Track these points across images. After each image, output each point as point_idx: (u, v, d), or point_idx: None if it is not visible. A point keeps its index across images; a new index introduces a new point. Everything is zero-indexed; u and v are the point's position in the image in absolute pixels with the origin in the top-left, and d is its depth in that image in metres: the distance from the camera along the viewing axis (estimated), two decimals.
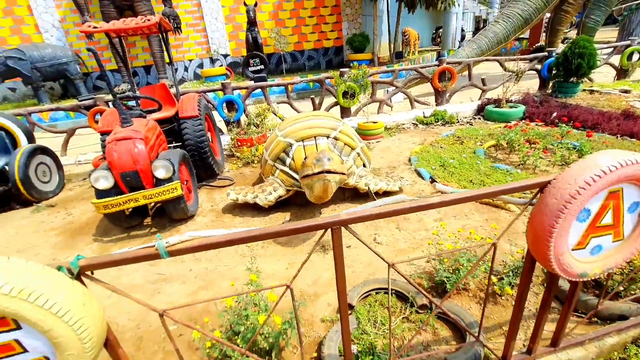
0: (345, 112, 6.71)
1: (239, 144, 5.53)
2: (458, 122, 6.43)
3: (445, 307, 1.97)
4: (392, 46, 13.01)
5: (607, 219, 1.04)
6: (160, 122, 4.27)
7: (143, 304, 0.98)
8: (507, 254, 2.46)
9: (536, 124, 5.50)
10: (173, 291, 2.62)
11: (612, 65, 8.26)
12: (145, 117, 3.76)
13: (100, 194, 3.21)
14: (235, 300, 1.86)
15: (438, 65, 6.83)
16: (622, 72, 8.20)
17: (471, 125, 6.18)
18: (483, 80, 7.34)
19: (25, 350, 0.80)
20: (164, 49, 4.52)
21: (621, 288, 1.93)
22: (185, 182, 3.76)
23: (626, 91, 6.88)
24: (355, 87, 6.16)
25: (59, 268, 0.91)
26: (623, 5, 14.04)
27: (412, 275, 2.30)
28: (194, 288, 2.62)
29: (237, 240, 0.93)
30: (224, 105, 6.23)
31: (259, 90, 6.67)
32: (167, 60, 12.11)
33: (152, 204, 3.76)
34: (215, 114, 6.30)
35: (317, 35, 13.61)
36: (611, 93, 6.83)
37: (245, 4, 11.08)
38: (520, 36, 11.89)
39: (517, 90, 6.83)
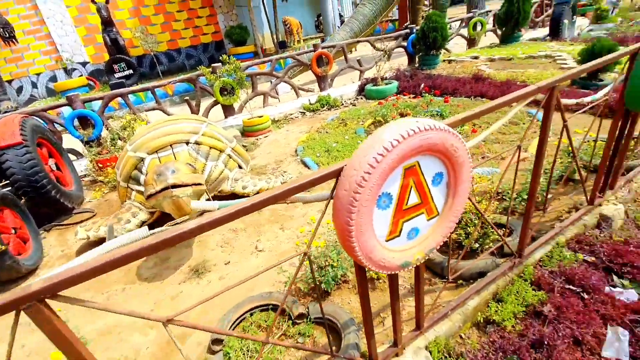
0: (228, 110, 6.23)
1: (101, 165, 4.65)
2: (342, 104, 6.53)
3: (319, 311, 1.79)
4: (274, 36, 12.75)
5: (413, 199, 0.92)
6: None
7: None
8: None
9: (408, 97, 5.87)
10: None
11: (462, 36, 9.39)
12: None
13: None
14: None
15: (314, 51, 6.80)
16: (471, 42, 9.39)
17: (354, 106, 6.33)
18: (359, 62, 7.59)
19: None
20: None
21: (476, 245, 2.01)
22: (13, 231, 2.93)
23: (475, 57, 7.87)
24: (231, 82, 5.73)
25: None
26: None
27: (287, 283, 2.08)
28: None
29: None
30: (76, 122, 5.18)
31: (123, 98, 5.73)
32: (7, 77, 9.75)
33: None
34: (69, 135, 5.21)
35: (192, 31, 12.55)
36: (464, 60, 7.73)
37: (94, 2, 9.50)
38: (391, 18, 12.80)
39: (390, 67, 7.23)
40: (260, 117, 5.62)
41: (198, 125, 3.18)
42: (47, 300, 0.63)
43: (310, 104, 6.43)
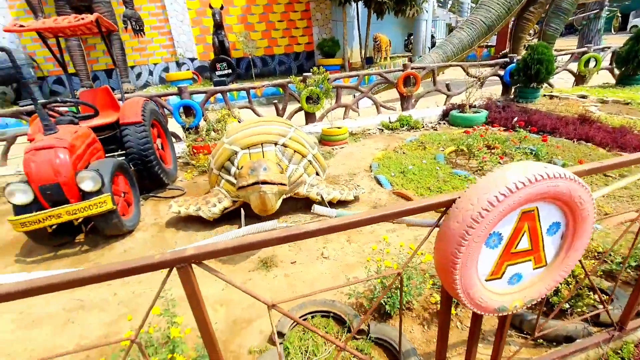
0: (309, 118, 6.53)
1: (195, 151, 5.23)
2: (423, 127, 6.39)
3: (382, 332, 1.78)
4: (363, 52, 13.02)
5: (524, 244, 0.88)
6: (101, 129, 3.94)
7: None
8: None
9: (497, 129, 5.51)
10: (89, 322, 2.30)
11: (570, 71, 8.52)
12: (76, 124, 3.42)
13: (19, 209, 2.85)
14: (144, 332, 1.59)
15: (402, 71, 6.79)
16: (580, 78, 8.47)
17: (435, 130, 6.15)
18: (448, 86, 7.36)
19: None
20: (111, 50, 4.20)
21: (567, 305, 1.81)
22: (122, 194, 3.44)
23: (583, 96, 7.08)
24: (318, 92, 6.01)
25: None
26: (582, 15, 14.74)
27: (352, 295, 2.10)
28: (114, 317, 2.32)
29: (40, 290, 0.69)
30: (181, 110, 5.91)
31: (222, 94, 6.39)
32: (130, 64, 11.59)
33: (82, 220, 3.39)
34: (172, 120, 5.97)
35: (288, 40, 13.45)
36: (569, 98, 7.00)
37: (210, 7, 10.79)
38: (487, 43, 12.21)
39: (481, 95, 6.88)
40: (339, 128, 5.77)
41: (286, 129, 3.40)
42: (193, 264, 0.75)
43: (390, 122, 6.41)
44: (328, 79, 5.71)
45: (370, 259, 2.19)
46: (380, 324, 1.87)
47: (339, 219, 0.80)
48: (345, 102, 6.83)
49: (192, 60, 12.67)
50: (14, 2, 11.05)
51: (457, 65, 7.48)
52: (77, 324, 2.29)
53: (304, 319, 2.03)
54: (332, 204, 3.41)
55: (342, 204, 3.50)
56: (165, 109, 6.00)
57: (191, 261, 0.74)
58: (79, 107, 4.26)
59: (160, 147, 4.68)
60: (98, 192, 2.93)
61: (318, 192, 3.28)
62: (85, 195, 2.92)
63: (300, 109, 6.44)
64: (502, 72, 7.54)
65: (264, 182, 2.29)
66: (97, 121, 3.80)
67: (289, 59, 13.68)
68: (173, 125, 6.51)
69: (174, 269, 0.74)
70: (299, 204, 3.57)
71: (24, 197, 2.82)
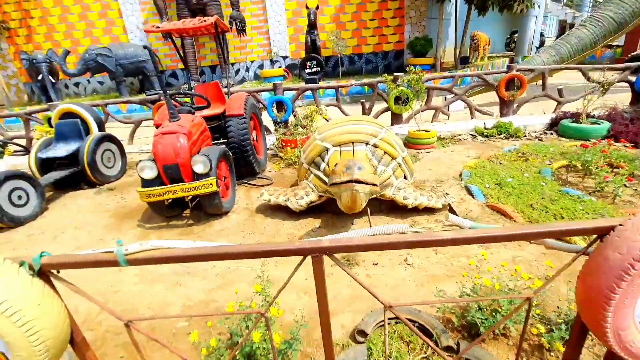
0: (396, 119, 6.39)
1: (284, 144, 5.54)
2: (525, 136, 5.74)
3: (476, 355, 1.68)
4: (457, 51, 12.21)
5: None
6: (210, 119, 4.43)
7: (108, 311, 0.92)
8: (563, 300, 2.04)
9: (623, 145, 4.66)
10: (193, 285, 2.63)
11: None
12: (193, 114, 3.91)
13: (145, 183, 3.39)
14: (239, 306, 1.77)
15: (506, 72, 6.18)
16: None
17: (540, 140, 5.47)
18: (560, 91, 6.47)
19: None
20: (223, 49, 4.68)
21: None
22: (223, 179, 3.83)
23: None
24: (408, 92, 5.83)
25: (22, 263, 0.86)
26: None
27: (440, 309, 2.01)
28: (212, 286, 2.61)
29: (200, 257, 0.81)
30: (274, 105, 6.31)
31: (311, 92, 6.65)
32: (232, 61, 12.82)
33: (191, 197, 3.88)
34: (265, 113, 6.42)
35: (378, 39, 13.31)
36: None
37: (307, 7, 11.25)
38: (612, 43, 10.40)
39: (602, 104, 5.89)
40: (427, 131, 5.53)
41: (378, 130, 3.38)
42: (324, 255, 0.81)
43: (485, 128, 5.91)
44: (421, 80, 5.49)
45: (466, 274, 2.06)
46: (475, 347, 1.75)
47: (474, 230, 0.77)
48: (435, 104, 6.51)
49: (284, 58, 13.41)
50: (145, 6, 13.06)
51: (575, 68, 6.51)
52: (183, 287, 2.64)
53: (387, 324, 2.01)
54: (417, 210, 3.30)
55: (428, 210, 3.36)
56: (260, 103, 6.48)
57: (325, 252, 0.79)
58: (194, 98, 4.86)
59: (254, 139, 5.09)
60: (206, 175, 3.32)
61: (405, 196, 3.20)
62: (196, 176, 3.34)
63: (387, 109, 6.35)
64: (633, 78, 6.34)
65: (358, 181, 2.32)
66: (207, 112, 4.29)
67: (376, 57, 13.56)
68: (265, 119, 7.01)
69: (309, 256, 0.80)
70: (382, 205, 3.53)
71: (150, 172, 3.33)
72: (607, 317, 0.73)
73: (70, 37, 13.53)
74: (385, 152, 3.28)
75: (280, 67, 13.30)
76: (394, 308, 0.87)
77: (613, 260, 0.71)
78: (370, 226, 3.01)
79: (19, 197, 4.01)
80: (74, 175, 4.90)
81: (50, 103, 7.18)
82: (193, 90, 4.75)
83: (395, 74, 6.05)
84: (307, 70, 10.59)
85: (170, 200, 3.63)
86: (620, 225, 0.74)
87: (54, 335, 0.85)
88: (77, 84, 14.04)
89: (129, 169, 5.75)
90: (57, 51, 12.13)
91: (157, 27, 3.97)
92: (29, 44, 13.55)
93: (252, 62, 13.61)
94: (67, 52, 11.50)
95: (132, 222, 3.88)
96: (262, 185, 4.51)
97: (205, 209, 3.60)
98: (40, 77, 11.68)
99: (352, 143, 3.23)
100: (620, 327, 0.75)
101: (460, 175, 4.28)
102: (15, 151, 4.40)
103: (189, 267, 2.87)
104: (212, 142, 4.34)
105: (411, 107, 6.08)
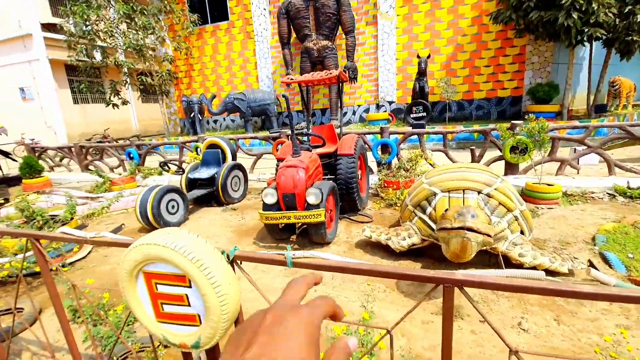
0: (511, 169, 5.93)
1: (385, 185, 5.69)
2: None
3: None
4: (591, 98, 10.74)
5: None
6: (322, 156, 4.93)
7: (265, 298, 1.18)
8: None
9: None
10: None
11: None
12: (310, 151, 4.43)
13: (266, 207, 3.94)
14: (344, 332, 1.90)
15: None
16: None
17: None
18: None
19: (189, 305, 1.10)
20: (339, 96, 5.27)
21: None
22: (329, 211, 4.16)
23: None
24: (527, 142, 5.40)
25: (222, 252, 1.20)
26: None
27: None
28: None
29: (348, 270, 1.00)
30: (379, 147, 6.59)
31: (416, 136, 6.75)
32: (338, 105, 13.95)
33: (300, 225, 4.30)
34: (370, 154, 6.74)
35: (492, 85, 12.73)
36: None
37: (418, 57, 11.65)
38: None
39: None
40: (549, 185, 4.97)
41: (492, 179, 3.25)
42: (456, 287, 0.91)
43: (629, 188, 4.98)
44: (545, 129, 5.05)
45: (599, 351, 1.77)
46: None
47: (619, 289, 0.77)
48: (561, 155, 5.83)
49: (390, 103, 13.92)
50: (275, 59, 15.44)
51: None
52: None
53: None
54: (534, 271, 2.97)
55: (550, 274, 2.99)
56: (366, 144, 6.85)
57: (458, 284, 0.90)
58: (310, 137, 5.49)
59: (359, 177, 5.38)
60: (317, 206, 3.68)
61: (521, 253, 2.94)
62: (308, 206, 3.73)
63: (500, 157, 5.96)
64: None
65: (470, 229, 2.29)
66: (322, 150, 4.79)
67: (489, 103, 12.90)
68: (369, 159, 7.34)
69: (441, 286, 0.92)
70: (491, 259, 3.29)
71: (272, 199, 3.87)
72: None
73: (217, 85, 16.84)
74: (500, 203, 3.12)
75: (385, 111, 13.81)
76: (519, 353, 0.89)
77: None
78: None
79: (173, 207, 5.07)
80: (209, 194, 5.96)
81: (199, 135, 9.01)
82: (310, 130, 5.39)
83: (513, 122, 5.71)
84: (412, 115, 10.76)
85: (283, 225, 4.10)
86: None
87: (234, 310, 1.14)
88: (215, 121, 17.14)
89: (248, 194, 6.69)
90: (207, 95, 15.22)
91: (292, 79, 4.75)
92: (188, 90, 17.34)
93: (359, 106, 14.50)
94: (214, 96, 14.32)
95: (249, 239, 4.48)
96: (363, 222, 4.69)
97: (311, 236, 3.93)
98: (192, 114, 14.73)
99: (463, 190, 3.18)
100: None
101: (593, 239, 3.69)
102: (176, 171, 5.63)
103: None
104: (323, 177, 4.78)
105: (530, 158, 5.58)
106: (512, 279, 0.85)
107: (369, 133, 6.94)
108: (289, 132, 7.58)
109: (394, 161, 6.47)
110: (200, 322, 1.14)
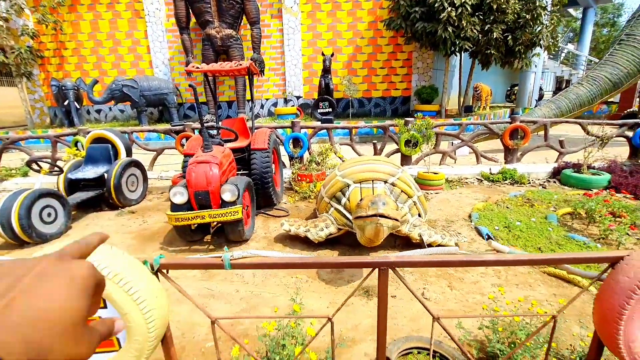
0: (405, 160, 6.72)
1: (299, 178, 5.81)
2: (529, 183, 6.02)
3: None
4: (461, 100, 12.91)
5: None
6: (235, 151, 4.74)
7: (201, 309, 1.10)
8: (577, 337, 2.16)
9: (624, 196, 4.90)
10: (217, 308, 2.75)
11: None
12: (222, 145, 4.22)
13: (175, 207, 3.60)
14: (275, 327, 1.91)
15: (510, 122, 6.60)
16: None
17: (544, 188, 5.73)
18: (561, 142, 6.85)
19: None
20: (247, 88, 5.11)
21: None
22: (245, 207, 4.04)
23: None
24: (418, 137, 6.20)
25: (144, 262, 1.07)
26: None
27: (461, 340, 2.13)
28: (237, 309, 2.73)
29: (291, 265, 1.01)
30: (291, 141, 6.68)
31: (324, 130, 7.05)
32: (248, 98, 13.58)
33: (214, 223, 4.07)
34: (282, 148, 6.76)
35: (387, 85, 14.13)
36: None
37: (322, 54, 12.12)
38: (608, 100, 11.03)
39: (602, 156, 6.22)
40: (435, 173, 5.82)
41: (395, 170, 3.65)
42: (390, 269, 1.01)
43: (491, 173, 6.20)
44: (431, 125, 5.87)
45: (487, 307, 2.20)
46: None
47: (513, 255, 0.97)
48: (443, 148, 6.87)
49: (298, 97, 14.16)
50: (172, 44, 14.04)
51: (575, 122, 6.94)
52: (209, 309, 2.75)
53: (409, 353, 2.13)
54: (430, 247, 3.46)
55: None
56: (278, 138, 6.85)
57: (392, 266, 0.99)
58: (220, 131, 5.21)
59: (273, 172, 5.37)
60: (233, 203, 3.54)
61: (420, 233, 3.39)
62: (223, 204, 3.56)
63: (397, 150, 6.69)
64: (630, 134, 6.74)
65: (382, 216, 2.53)
66: (235, 144, 4.60)
67: (385, 102, 14.29)
68: (281, 153, 7.36)
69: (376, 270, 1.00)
70: (397, 241, 3.71)
71: (182, 198, 3.56)
72: (620, 331, 0.91)
73: (99, 68, 14.42)
74: (402, 191, 3.52)
75: (293, 105, 14.00)
76: (442, 320, 1.05)
77: (623, 282, 0.90)
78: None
79: (49, 215, 4.21)
80: (97, 197, 5.13)
81: (78, 127, 7.60)
82: (220, 124, 5.12)
83: (406, 118, 6.46)
84: (319, 110, 11.18)
85: (195, 225, 3.82)
86: (628, 255, 0.94)
87: (162, 325, 1.04)
88: (98, 111, 14.72)
89: (149, 194, 5.99)
90: (85, 80, 12.90)
91: (198, 68, 4.40)
92: (60, 72, 14.41)
93: (267, 100, 14.34)
94: (96, 82, 12.24)
95: (155, 244, 4.04)
96: (279, 216, 4.71)
97: (228, 235, 3.77)
98: (66, 102, 12.33)
99: (372, 180, 3.48)
100: (630, 339, 0.92)
101: (470, 216, 4.49)
102: (51, 171, 4.66)
103: (213, 290, 3.00)
104: (237, 172, 4.61)
105: (420, 150, 6.42)
106: (435, 256, 0.99)
107: (280, 127, 6.95)
108: (194, 125, 7.06)
109: (306, 155, 6.64)
110: (120, 346, 1.00)
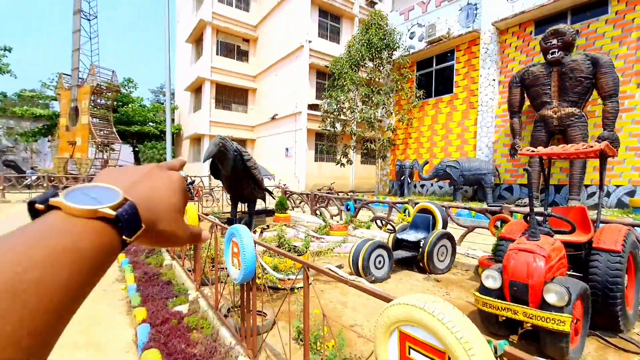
0: None
1: None
2: None
3: None
4: None
5: None
6: (567, 245, 3.93)
7: None
8: None
9: None
10: None
11: None
12: (552, 236, 3.62)
13: (484, 290, 3.43)
14: None
15: None
16: None
17: None
18: None
19: None
20: (600, 173, 4.22)
21: None
22: (575, 320, 3.15)
23: None
24: None
25: (489, 342, 1.07)
26: None
27: None
28: None
29: None
30: None
31: None
32: (586, 182, 11.02)
33: (528, 324, 3.45)
34: None
35: None
36: None
37: None
38: None
39: None
40: None
41: None
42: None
43: None
44: None
45: None
46: None
47: None
48: None
49: None
50: (499, 129, 14.36)
51: None
52: None
53: None
54: None
55: None
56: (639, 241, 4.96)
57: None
58: (548, 219, 4.54)
59: (625, 284, 3.88)
60: (559, 309, 2.86)
61: None
62: (545, 306, 2.96)
63: None
64: None
65: None
66: (569, 238, 3.82)
67: None
68: None
69: None
70: None
71: (493, 283, 3.35)
72: None
73: (430, 152, 17.35)
74: None
75: None
76: None
77: None
78: None
79: (379, 262, 5.32)
80: (411, 258, 5.89)
81: (408, 198, 9.37)
82: (550, 211, 4.47)
83: None
84: None
85: (504, 318, 3.43)
86: None
87: None
88: (422, 186, 17.44)
89: (454, 267, 6.15)
90: (419, 161, 15.92)
91: (533, 151, 4.19)
92: (403, 155, 18.74)
93: (617, 186, 11.02)
94: (426, 162, 14.79)
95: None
96: (628, 351, 3.26)
97: (543, 346, 3.06)
98: (402, 177, 15.65)
99: None
100: None
101: None
102: (387, 229, 5.98)
103: None
104: (567, 273, 3.76)
105: None
106: None
107: (637, 225, 5.02)
108: (512, 207, 6.62)
109: None
110: None
